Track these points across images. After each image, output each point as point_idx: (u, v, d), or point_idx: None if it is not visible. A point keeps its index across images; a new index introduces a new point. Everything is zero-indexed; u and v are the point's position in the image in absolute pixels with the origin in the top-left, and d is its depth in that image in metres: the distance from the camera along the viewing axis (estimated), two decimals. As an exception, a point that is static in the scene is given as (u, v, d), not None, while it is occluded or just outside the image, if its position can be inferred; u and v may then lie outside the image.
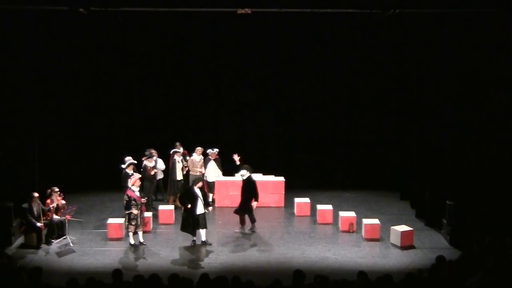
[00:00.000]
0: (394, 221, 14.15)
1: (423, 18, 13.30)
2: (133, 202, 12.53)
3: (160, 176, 15.55)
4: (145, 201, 13.26)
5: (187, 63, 16.77)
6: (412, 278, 8.24)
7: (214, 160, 15.55)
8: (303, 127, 17.54)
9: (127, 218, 12.66)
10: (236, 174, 15.85)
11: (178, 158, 15.35)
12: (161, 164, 15.38)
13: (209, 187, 15.42)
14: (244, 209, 13.50)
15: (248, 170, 13.55)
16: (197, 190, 12.74)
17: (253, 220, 13.58)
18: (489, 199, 12.80)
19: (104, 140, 16.78)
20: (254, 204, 13.45)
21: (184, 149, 15.66)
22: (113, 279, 8.19)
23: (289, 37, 16.24)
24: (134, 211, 12.50)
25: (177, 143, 15.70)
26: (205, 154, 15.53)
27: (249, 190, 13.44)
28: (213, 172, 15.56)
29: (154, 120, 17.12)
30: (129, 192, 12.62)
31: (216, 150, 15.57)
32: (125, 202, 12.64)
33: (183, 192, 13.40)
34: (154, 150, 15.22)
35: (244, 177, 13.50)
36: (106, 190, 16.18)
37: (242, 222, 13.67)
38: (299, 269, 8.21)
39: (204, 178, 15.14)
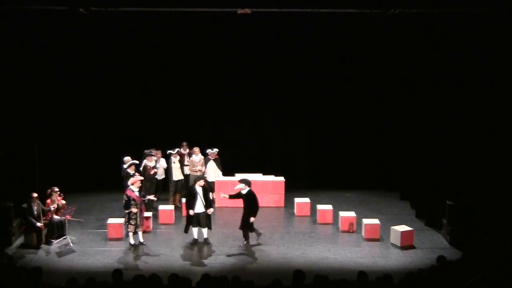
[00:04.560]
0: (394, 221, 14.15)
1: (423, 18, 13.30)
2: (132, 202, 12.54)
3: (162, 176, 15.57)
4: (149, 200, 13.46)
5: (187, 63, 16.75)
6: (412, 278, 8.24)
7: (214, 160, 15.56)
8: (303, 127, 17.51)
9: (126, 217, 12.69)
10: (236, 174, 15.91)
11: (173, 158, 15.38)
12: (163, 163, 15.43)
13: (209, 187, 15.43)
14: (246, 225, 12.90)
15: (246, 183, 12.90)
16: (198, 189, 12.78)
17: (258, 234, 13.02)
18: (489, 199, 12.81)
19: (104, 140, 16.76)
20: (252, 219, 12.72)
21: (190, 149, 15.70)
22: (113, 279, 8.18)
23: (289, 37, 16.22)
24: (133, 210, 12.51)
25: (184, 143, 15.73)
26: (204, 154, 15.55)
27: (250, 204, 12.84)
28: (213, 172, 15.57)
29: (154, 120, 17.10)
30: (128, 192, 12.64)
31: (215, 150, 15.58)
32: (124, 201, 12.66)
33: (187, 191, 13.44)
34: (158, 150, 15.26)
35: (244, 191, 12.91)
36: (106, 190, 16.18)
37: (246, 236, 12.99)
38: (299, 269, 8.20)
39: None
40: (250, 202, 12.82)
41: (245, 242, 12.97)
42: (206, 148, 15.58)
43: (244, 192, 12.90)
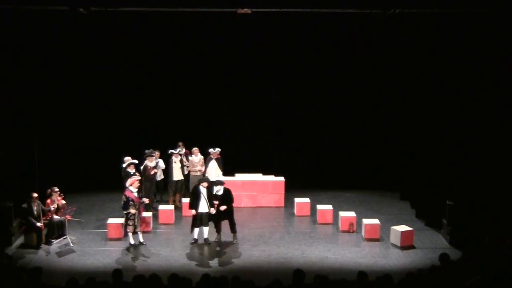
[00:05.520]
0: (394, 221, 14.15)
1: (423, 18, 13.30)
2: (131, 202, 12.54)
3: (160, 176, 15.58)
4: (149, 202, 13.66)
5: (187, 63, 16.74)
6: (412, 278, 8.24)
7: (216, 159, 15.54)
8: (303, 127, 17.50)
9: (125, 218, 12.68)
10: (236, 174, 15.93)
11: (175, 158, 15.38)
12: (161, 164, 15.42)
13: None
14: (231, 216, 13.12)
15: (220, 184, 13.08)
16: (202, 189, 12.81)
17: (222, 229, 13.18)
18: (489, 199, 12.81)
19: (104, 140, 16.76)
20: (223, 207, 12.87)
21: (186, 149, 15.73)
22: (113, 279, 8.18)
23: (289, 37, 16.23)
24: (132, 211, 12.51)
25: (180, 143, 15.74)
26: (206, 153, 15.54)
27: (228, 201, 12.98)
28: (213, 172, 15.54)
29: (154, 120, 17.10)
30: (127, 193, 12.63)
31: (217, 149, 15.55)
32: (122, 202, 12.67)
33: (191, 192, 13.48)
34: (157, 150, 15.26)
35: (220, 192, 12.99)
36: (106, 190, 16.18)
37: (234, 230, 13.15)
38: (299, 269, 8.20)
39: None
40: (228, 199, 12.96)
41: (235, 240, 13.03)
42: (207, 148, 15.56)
43: (220, 192, 12.99)
